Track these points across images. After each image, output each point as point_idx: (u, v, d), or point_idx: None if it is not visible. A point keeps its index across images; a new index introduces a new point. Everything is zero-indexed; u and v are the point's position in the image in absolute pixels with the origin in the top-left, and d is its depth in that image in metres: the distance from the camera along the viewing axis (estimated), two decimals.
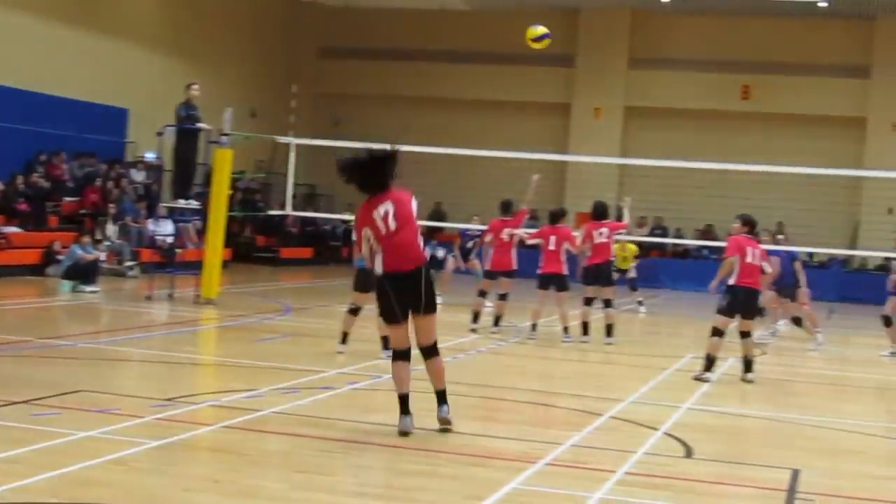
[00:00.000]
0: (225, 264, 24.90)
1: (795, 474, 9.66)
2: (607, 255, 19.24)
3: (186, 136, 22.23)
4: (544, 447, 10.09)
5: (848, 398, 15.85)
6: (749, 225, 15.69)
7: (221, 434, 9.95)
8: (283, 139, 24.86)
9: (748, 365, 15.31)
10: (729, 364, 16.62)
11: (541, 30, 19.46)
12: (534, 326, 19.13)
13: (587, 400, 13.10)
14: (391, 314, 10.41)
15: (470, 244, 24.93)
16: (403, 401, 10.40)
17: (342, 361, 14.80)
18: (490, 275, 20.20)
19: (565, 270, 18.89)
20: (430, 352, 10.60)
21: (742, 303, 15.16)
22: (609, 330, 19.10)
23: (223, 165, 22.10)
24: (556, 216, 19.47)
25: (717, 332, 15.24)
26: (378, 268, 10.42)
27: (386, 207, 10.44)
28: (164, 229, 27.09)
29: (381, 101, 42.18)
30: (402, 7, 41.94)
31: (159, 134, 23.24)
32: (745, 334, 15.30)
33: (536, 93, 41.32)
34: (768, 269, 15.37)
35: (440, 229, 38.15)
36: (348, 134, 34.14)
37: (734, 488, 9.24)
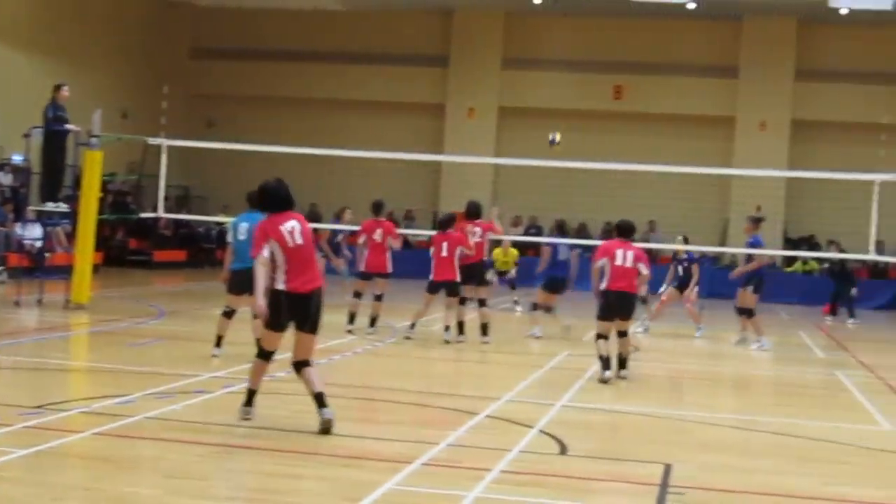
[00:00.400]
0: (96, 268, 24.54)
1: (668, 469, 9.78)
2: (480, 254, 19.32)
3: (55, 138, 21.83)
4: (420, 447, 10.09)
5: (719, 393, 16.12)
6: (619, 230, 15.74)
7: (92, 441, 9.79)
8: (154, 140, 24.55)
9: (622, 362, 15.45)
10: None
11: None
12: (412, 325, 19.12)
13: (463, 399, 13.14)
14: (277, 325, 10.79)
15: (339, 238, 24.49)
16: (251, 394, 10.92)
17: (217, 365, 14.68)
18: (364, 276, 20.13)
19: (458, 277, 18.92)
20: (304, 364, 10.83)
21: (616, 307, 15.28)
22: (484, 329, 19.19)
23: (93, 167, 21.77)
24: (446, 223, 19.44)
25: (601, 336, 15.36)
26: (279, 284, 10.72)
27: (292, 224, 10.87)
28: (33, 233, 26.64)
29: (256, 102, 41.91)
30: (276, 7, 41.69)
31: (26, 136, 22.79)
32: (621, 333, 15.43)
33: (411, 93, 41.36)
34: (644, 270, 15.41)
35: (316, 231, 38.02)
36: (223, 135, 33.95)
37: (608, 484, 9.33)
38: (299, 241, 10.81)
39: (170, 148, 24.33)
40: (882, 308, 34.70)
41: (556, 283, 20.63)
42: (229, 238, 15.44)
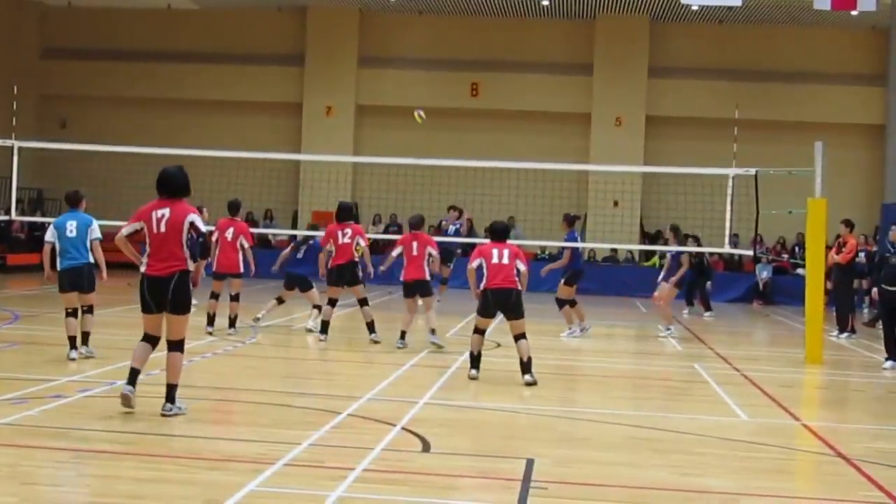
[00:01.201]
0: None
1: (530, 464, 9.87)
2: (350, 255, 19.24)
3: None
4: (282, 448, 10.05)
5: (578, 387, 16.31)
6: (493, 232, 15.80)
7: None
8: (5, 142, 24.07)
9: (526, 367, 15.17)
10: (463, 358, 16.87)
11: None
12: (403, 334, 18.77)
13: (325, 399, 13.11)
14: (144, 306, 11.68)
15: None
16: (133, 374, 11.63)
17: (73, 369, 14.45)
18: (218, 276, 19.95)
19: (428, 276, 18.94)
20: (172, 346, 11.67)
21: (493, 304, 15.28)
22: (371, 327, 19.28)
23: None
24: (417, 223, 19.38)
25: (478, 331, 15.48)
26: (142, 267, 11.63)
27: (164, 212, 11.63)
28: None
29: (112, 102, 41.29)
30: (129, 7, 41.10)
31: None
32: (518, 337, 15.32)
33: (269, 92, 41.11)
34: (522, 266, 15.48)
35: None
36: (76, 136, 33.39)
37: (472, 480, 9.39)
38: (163, 229, 11.55)
39: (22, 149, 23.89)
40: (737, 300, 35.41)
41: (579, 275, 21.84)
42: (51, 238, 15.43)
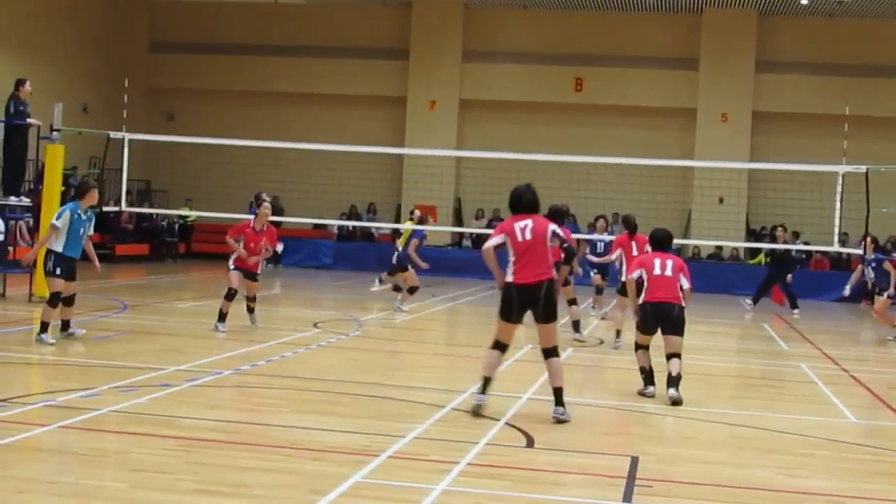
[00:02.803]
0: None
1: (635, 461, 9.81)
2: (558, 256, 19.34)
3: (16, 132, 21.73)
4: (386, 440, 10.07)
5: (684, 385, 16.14)
6: (654, 241, 14.72)
7: (58, 434, 9.74)
8: (116, 135, 24.44)
9: (673, 381, 13.91)
10: (567, 354, 16.83)
11: None
12: (618, 333, 18.85)
13: (428, 392, 13.12)
14: (508, 314, 11.86)
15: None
16: (486, 382, 11.87)
17: (181, 359, 14.61)
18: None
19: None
20: (549, 353, 11.86)
21: (653, 319, 14.08)
22: (576, 326, 19.46)
23: (55, 161, 21.68)
24: (635, 224, 19.44)
25: (640, 347, 14.43)
26: (509, 276, 11.70)
27: (526, 222, 11.85)
28: None
29: (216, 95, 41.80)
30: (237, 1, 41.58)
31: None
32: (671, 355, 14.14)
33: (372, 86, 41.32)
34: (686, 283, 14.41)
35: (278, 223, 37.99)
36: (183, 129, 33.84)
37: (576, 476, 9.34)
38: (529, 237, 11.70)
39: (130, 142, 24.24)
40: (845, 300, 34.83)
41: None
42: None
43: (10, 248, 23.84)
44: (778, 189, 32.93)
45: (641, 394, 14.02)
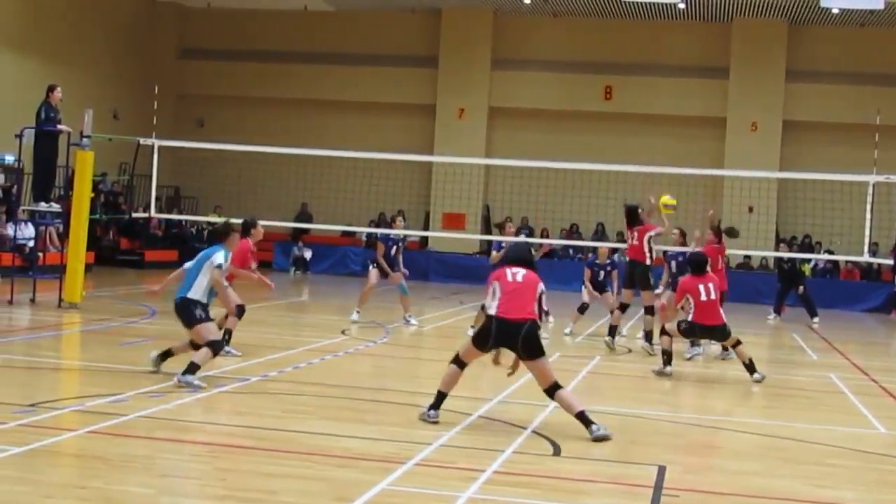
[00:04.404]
0: (88, 268, 24.46)
1: (662, 471, 9.78)
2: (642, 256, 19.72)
3: (47, 139, 21.84)
4: (413, 447, 10.08)
5: (710, 395, 16.11)
6: (692, 265, 16.77)
7: (85, 439, 9.77)
8: (147, 141, 24.54)
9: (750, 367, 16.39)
10: (594, 363, 16.82)
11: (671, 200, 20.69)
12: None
13: (455, 399, 13.09)
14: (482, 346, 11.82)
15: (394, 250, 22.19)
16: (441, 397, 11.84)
17: (208, 365, 14.63)
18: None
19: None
20: (553, 389, 11.58)
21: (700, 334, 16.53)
22: (648, 337, 19.44)
23: (84, 167, 21.77)
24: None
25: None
26: (491, 310, 11.60)
27: (519, 270, 11.81)
28: (25, 233, 26.60)
29: (246, 102, 41.92)
30: (265, 8, 41.71)
31: (18, 136, 22.75)
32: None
33: (401, 94, 41.36)
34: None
35: (306, 231, 38.08)
36: (212, 135, 33.96)
37: (602, 485, 9.32)
38: (519, 280, 11.66)
39: (160, 148, 24.34)
40: (875, 310, 34.71)
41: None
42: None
43: (40, 254, 24.00)
44: (808, 199, 32.81)
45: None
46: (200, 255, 13.83)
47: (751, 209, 36.32)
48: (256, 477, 8.86)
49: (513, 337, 11.46)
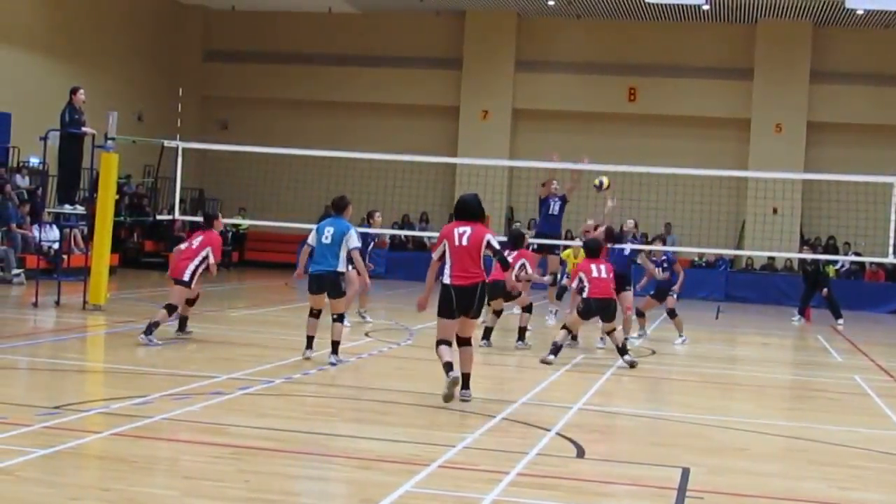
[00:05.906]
0: (112, 270, 24.57)
1: (686, 473, 9.75)
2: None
3: (71, 141, 21.92)
4: (436, 449, 10.07)
5: (734, 396, 16.07)
6: (586, 249, 17.86)
7: (110, 442, 9.80)
8: (171, 143, 24.59)
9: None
10: (618, 364, 16.81)
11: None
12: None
13: (478, 401, 13.10)
14: (446, 312, 12.74)
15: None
16: (448, 366, 12.66)
17: (234, 366, 14.67)
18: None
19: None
20: (465, 342, 13.02)
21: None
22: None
23: (109, 170, 21.83)
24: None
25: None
26: (446, 278, 12.72)
27: (465, 229, 12.90)
28: (50, 235, 26.70)
29: (270, 104, 42.04)
30: (289, 10, 41.80)
31: (43, 138, 22.84)
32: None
33: (425, 96, 41.42)
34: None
35: None
36: (236, 138, 34.03)
37: (626, 487, 9.30)
38: (465, 242, 12.69)
39: (184, 150, 24.39)
40: None
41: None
42: (311, 241, 15.61)
43: (65, 256, 24.07)
44: (832, 200, 32.71)
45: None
46: (332, 231, 15.59)
47: (775, 210, 36.26)
48: (279, 479, 8.87)
49: (470, 299, 12.76)
